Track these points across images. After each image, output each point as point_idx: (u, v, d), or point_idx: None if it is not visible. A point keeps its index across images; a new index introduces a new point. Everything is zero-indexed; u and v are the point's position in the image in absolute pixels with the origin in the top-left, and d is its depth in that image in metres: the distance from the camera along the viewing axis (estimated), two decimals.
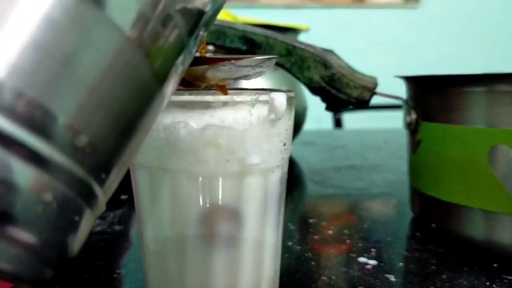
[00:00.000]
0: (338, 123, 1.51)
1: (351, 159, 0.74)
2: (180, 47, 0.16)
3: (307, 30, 0.80)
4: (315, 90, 0.43)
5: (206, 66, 0.22)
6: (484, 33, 2.02)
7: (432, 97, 0.37)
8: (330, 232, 0.40)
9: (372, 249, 0.36)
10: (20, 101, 0.11)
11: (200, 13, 0.17)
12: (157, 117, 0.17)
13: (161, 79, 0.16)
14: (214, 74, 0.23)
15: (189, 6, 0.16)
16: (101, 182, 0.14)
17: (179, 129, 0.21)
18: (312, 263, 0.33)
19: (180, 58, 0.17)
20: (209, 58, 0.23)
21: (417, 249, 0.36)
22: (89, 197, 0.14)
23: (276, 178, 0.23)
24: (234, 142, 0.21)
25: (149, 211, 0.23)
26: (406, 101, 0.42)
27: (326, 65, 0.42)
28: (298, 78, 0.43)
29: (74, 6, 0.12)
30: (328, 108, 0.44)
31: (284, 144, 0.24)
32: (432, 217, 0.39)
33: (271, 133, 0.22)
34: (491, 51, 1.99)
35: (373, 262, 0.33)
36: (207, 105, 0.21)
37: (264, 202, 0.23)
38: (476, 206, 0.34)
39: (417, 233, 0.40)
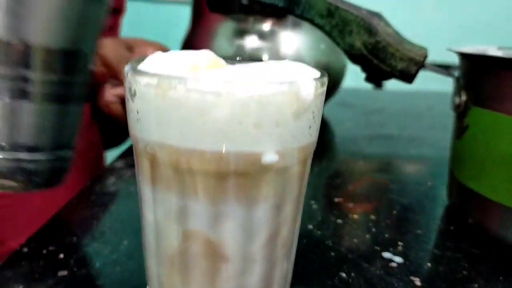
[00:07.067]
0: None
1: (387, 126, 0.70)
2: None
3: None
4: (355, 58, 0.38)
5: None
6: None
7: (488, 79, 0.32)
8: (355, 216, 0.37)
9: (399, 243, 0.33)
10: None
11: None
12: None
13: None
14: None
15: None
16: None
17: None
18: (332, 253, 0.31)
19: None
20: None
21: (449, 247, 0.33)
22: None
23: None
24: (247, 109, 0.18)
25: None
26: (457, 79, 0.37)
27: (371, 30, 0.37)
28: (338, 44, 0.38)
29: None
30: (368, 79, 0.40)
31: (310, 127, 0.20)
32: (470, 212, 0.35)
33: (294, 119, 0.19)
34: None
35: (398, 259, 0.30)
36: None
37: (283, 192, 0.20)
38: None
39: (451, 227, 0.36)
